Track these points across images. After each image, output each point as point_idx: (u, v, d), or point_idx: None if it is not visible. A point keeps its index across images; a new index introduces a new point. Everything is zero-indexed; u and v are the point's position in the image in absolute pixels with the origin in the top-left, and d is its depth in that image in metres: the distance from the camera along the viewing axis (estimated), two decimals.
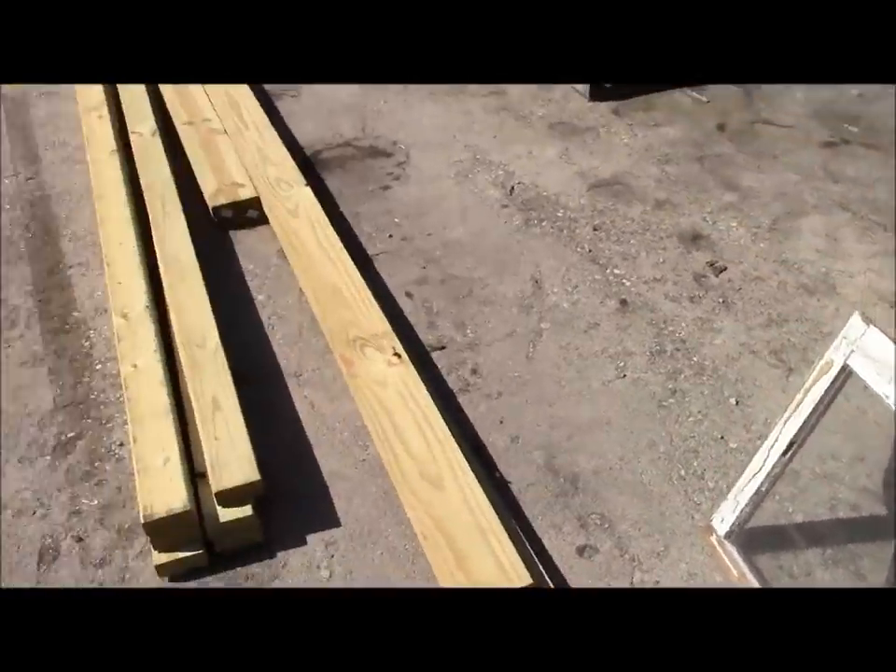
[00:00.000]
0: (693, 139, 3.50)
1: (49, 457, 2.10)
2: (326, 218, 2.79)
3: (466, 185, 3.19)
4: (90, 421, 2.19)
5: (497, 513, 1.88)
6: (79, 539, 1.93)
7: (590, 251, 2.84)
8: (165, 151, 3.14)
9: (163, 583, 1.85)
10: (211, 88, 3.56)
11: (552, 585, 1.80)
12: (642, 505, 2.03)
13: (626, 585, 1.86)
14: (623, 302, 2.62)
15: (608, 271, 2.75)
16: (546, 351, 2.45)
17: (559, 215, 3.02)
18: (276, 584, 1.85)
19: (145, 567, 1.86)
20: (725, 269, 2.77)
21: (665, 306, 2.61)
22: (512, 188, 3.18)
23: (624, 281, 2.71)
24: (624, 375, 2.37)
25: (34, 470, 2.08)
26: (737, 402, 2.29)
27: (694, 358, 2.42)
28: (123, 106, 3.43)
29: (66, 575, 1.86)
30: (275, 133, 3.29)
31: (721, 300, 2.63)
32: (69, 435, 2.16)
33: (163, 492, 1.82)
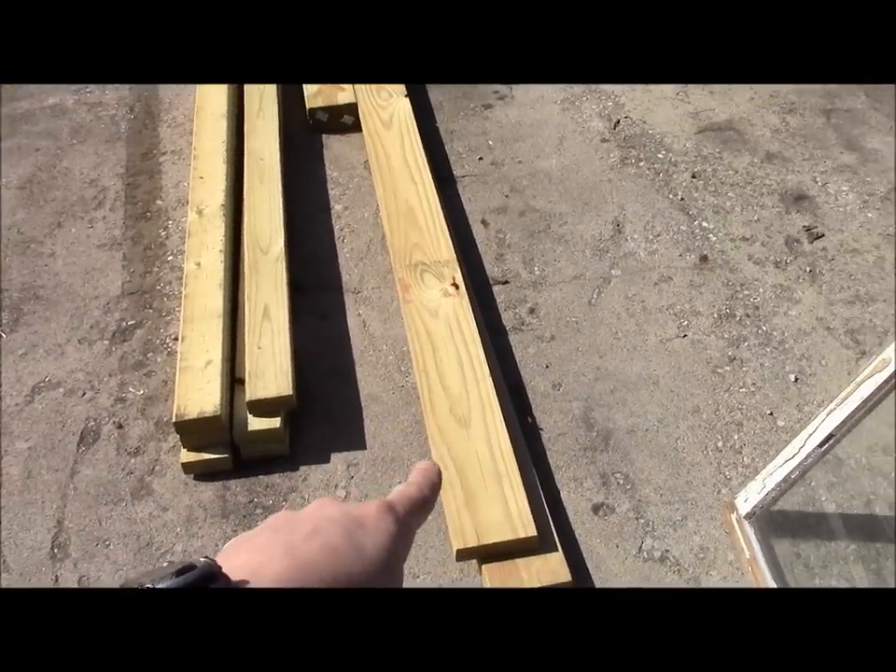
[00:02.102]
0: (827, 89, 3.27)
1: (107, 342, 2.23)
2: (417, 134, 2.77)
3: (570, 113, 3.10)
4: (151, 311, 2.30)
5: (520, 460, 1.90)
6: (119, 427, 2.05)
7: (682, 199, 2.73)
8: None
9: (186, 481, 1.96)
10: None
11: (557, 539, 1.82)
12: (670, 471, 2.00)
13: (634, 550, 1.86)
14: (704, 259, 2.53)
15: (695, 223, 2.65)
16: (610, 299, 2.40)
17: (659, 156, 2.91)
18: (293, 497, 1.93)
19: (174, 463, 1.97)
20: (822, 236, 2.62)
21: (746, 268, 2.50)
22: (618, 121, 3.07)
23: (711, 236, 2.61)
24: (685, 335, 2.31)
25: (91, 353, 2.21)
26: (796, 379, 2.20)
27: (763, 327, 2.33)
28: None
29: (101, 459, 1.99)
30: None
31: (808, 268, 2.51)
32: (129, 323, 2.28)
33: (199, 394, 1.90)
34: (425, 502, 0.56)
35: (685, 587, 1.79)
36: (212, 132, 2.67)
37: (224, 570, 0.43)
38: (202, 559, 0.44)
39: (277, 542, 0.47)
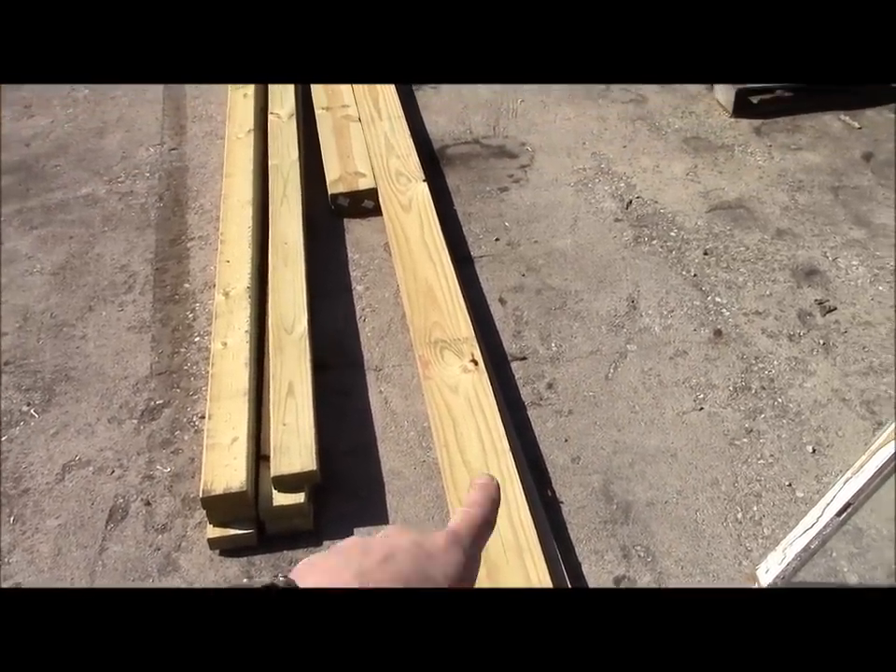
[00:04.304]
0: (834, 167, 3.36)
1: (135, 421, 2.29)
2: (435, 216, 2.86)
3: (584, 194, 3.20)
4: (178, 391, 2.36)
5: (540, 533, 1.92)
6: (147, 504, 2.09)
7: (695, 276, 2.80)
8: (298, 135, 3.29)
9: (211, 558, 2.00)
10: None
11: None
12: (690, 543, 2.02)
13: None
14: (718, 333, 2.58)
15: (709, 298, 2.71)
16: (626, 374, 2.44)
17: (672, 234, 2.98)
18: None
19: (200, 539, 2.01)
20: (834, 309, 2.67)
21: (760, 341, 2.55)
22: (630, 201, 3.15)
23: (724, 311, 2.66)
24: (701, 408, 2.34)
25: (120, 432, 2.27)
26: (814, 451, 2.23)
27: (779, 399, 2.36)
28: (269, 88, 3.60)
29: (129, 536, 2.03)
30: (406, 126, 3.38)
31: (821, 341, 2.55)
32: (157, 402, 2.34)
33: (225, 470, 1.95)
34: (488, 523, 0.58)
35: (678, 587, 1.79)
36: (238, 217, 2.77)
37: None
38: (281, 578, 0.46)
39: (349, 567, 0.48)
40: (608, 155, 3.43)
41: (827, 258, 2.88)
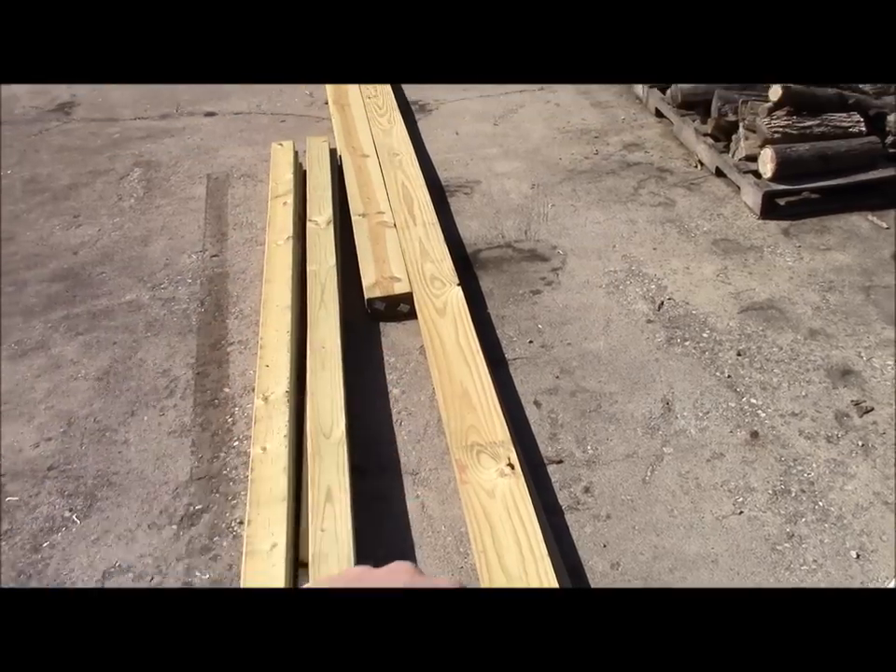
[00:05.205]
0: (864, 267, 3.39)
1: (175, 527, 2.31)
2: (470, 319, 2.91)
3: (615, 296, 3.24)
4: (217, 496, 2.39)
5: None
6: None
7: (729, 377, 2.81)
8: (336, 241, 3.38)
9: None
10: (390, 181, 3.81)
11: None
12: None
13: None
14: (754, 434, 2.57)
15: (744, 399, 2.71)
16: (664, 477, 2.44)
17: (704, 336, 3.01)
18: None
19: None
20: (871, 410, 2.66)
21: (798, 443, 2.54)
22: (662, 303, 3.19)
23: (760, 412, 2.66)
24: (741, 512, 2.32)
25: (160, 538, 2.28)
26: (858, 556, 2.19)
27: (820, 503, 2.34)
28: (308, 196, 3.72)
29: None
30: (440, 231, 3.46)
31: (860, 442, 2.53)
32: (197, 507, 2.36)
33: (264, 577, 1.96)
34: None
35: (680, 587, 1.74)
36: (277, 322, 2.84)
37: None
38: None
39: None
40: (638, 257, 3.48)
41: (861, 357, 2.88)
